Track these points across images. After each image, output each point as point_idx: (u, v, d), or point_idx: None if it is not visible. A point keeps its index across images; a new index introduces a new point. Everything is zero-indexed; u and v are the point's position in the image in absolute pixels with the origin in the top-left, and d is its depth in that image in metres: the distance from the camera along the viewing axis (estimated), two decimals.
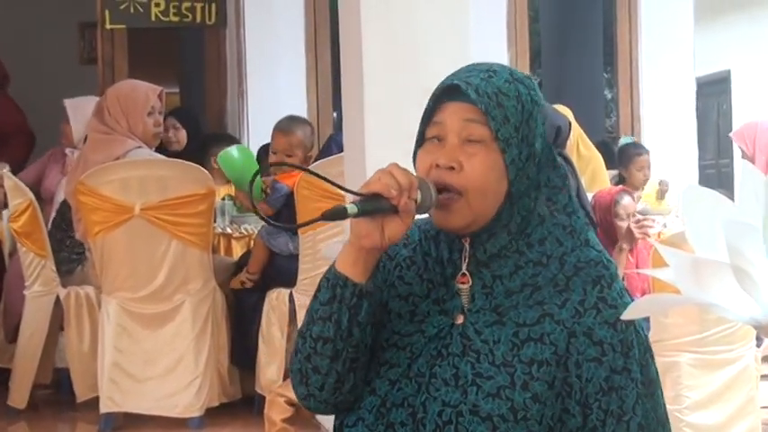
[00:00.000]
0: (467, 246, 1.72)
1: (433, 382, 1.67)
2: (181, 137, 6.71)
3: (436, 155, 1.70)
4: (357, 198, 1.65)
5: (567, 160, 6.09)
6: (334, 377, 1.68)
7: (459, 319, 1.70)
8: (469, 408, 1.63)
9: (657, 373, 1.78)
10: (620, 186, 5.89)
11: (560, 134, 6.01)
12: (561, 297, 1.68)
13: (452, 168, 1.68)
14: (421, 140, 1.74)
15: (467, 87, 1.69)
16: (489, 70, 1.74)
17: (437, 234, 1.77)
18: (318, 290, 1.69)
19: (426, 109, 1.73)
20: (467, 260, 1.72)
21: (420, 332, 1.71)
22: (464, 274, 1.72)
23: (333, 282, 1.67)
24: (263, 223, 5.54)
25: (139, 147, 5.00)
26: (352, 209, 1.63)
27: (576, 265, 1.71)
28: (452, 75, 1.75)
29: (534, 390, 1.64)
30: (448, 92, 1.72)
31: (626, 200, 5.41)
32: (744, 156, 6.80)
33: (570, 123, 5.86)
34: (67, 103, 6.04)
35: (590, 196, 5.98)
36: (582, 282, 1.69)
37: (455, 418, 1.64)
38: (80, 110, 5.97)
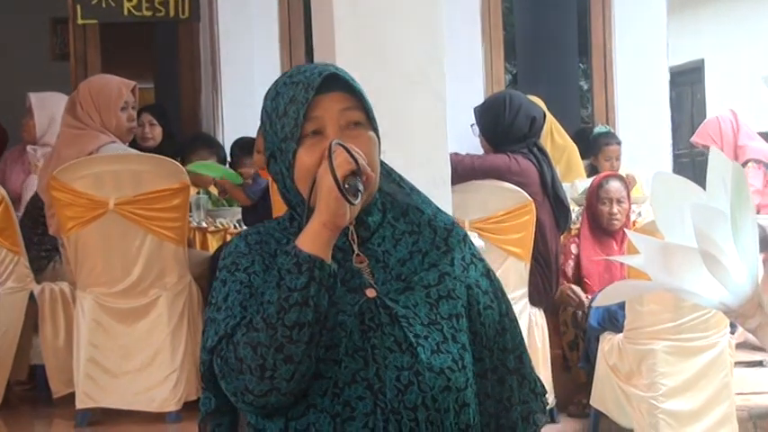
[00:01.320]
0: (352, 228, 1.81)
1: (377, 352, 1.74)
2: (156, 133, 6.69)
3: (322, 147, 1.75)
4: (347, 174, 1.69)
5: (542, 150, 6.08)
6: (306, 364, 1.69)
7: (371, 293, 1.79)
8: (425, 366, 1.75)
9: None
10: (615, 172, 5.89)
11: (534, 124, 6.01)
12: (448, 257, 1.85)
13: None
14: (296, 138, 1.77)
15: (343, 75, 1.81)
16: (328, 64, 1.85)
17: (300, 230, 1.80)
18: (282, 278, 1.69)
19: (296, 107, 1.77)
20: (356, 242, 1.81)
21: (341, 312, 1.76)
22: (358, 255, 1.82)
23: (308, 265, 1.68)
24: (238, 217, 5.54)
25: (113, 142, 4.97)
26: (362, 187, 1.71)
27: (445, 228, 1.88)
28: (302, 73, 1.81)
29: (461, 340, 1.81)
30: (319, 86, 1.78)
31: (611, 184, 5.39)
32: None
33: (545, 114, 5.88)
34: (33, 97, 6.00)
35: (566, 186, 6.01)
36: (456, 241, 1.87)
37: (415, 378, 1.74)
38: (46, 105, 5.95)
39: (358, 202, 1.69)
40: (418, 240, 1.84)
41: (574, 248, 5.41)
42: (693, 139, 7.01)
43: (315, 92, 1.77)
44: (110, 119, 4.99)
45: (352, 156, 1.70)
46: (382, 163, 1.88)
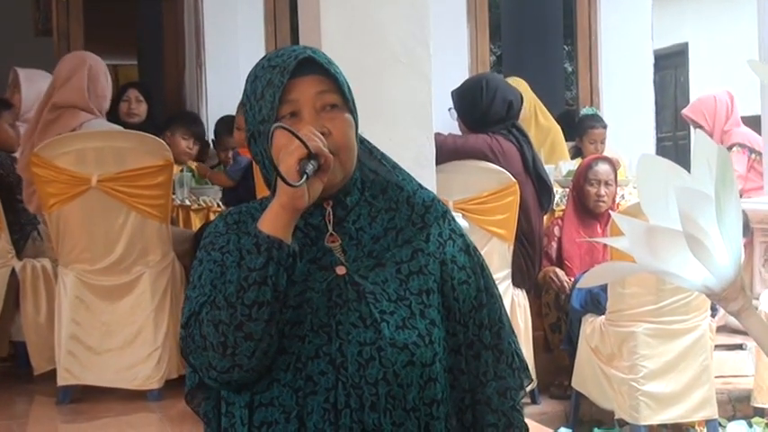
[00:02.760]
0: (329, 209, 1.84)
1: (341, 328, 1.77)
2: (141, 110, 6.66)
3: (297, 128, 1.76)
4: (302, 158, 1.71)
5: (521, 130, 6.09)
6: (266, 341, 1.72)
7: (342, 270, 1.81)
8: (388, 341, 1.76)
9: None
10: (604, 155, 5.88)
11: (512, 108, 6.03)
12: (423, 233, 1.87)
13: (323, 134, 1.78)
14: (272, 121, 1.79)
15: (320, 58, 1.83)
16: (306, 47, 1.87)
17: None
18: (242, 257, 1.72)
19: (273, 91, 1.80)
20: (331, 222, 1.84)
21: (309, 289, 1.79)
22: (332, 234, 1.84)
23: (266, 246, 1.71)
24: (221, 195, 5.53)
25: (95, 117, 4.96)
26: (311, 169, 1.71)
27: (423, 205, 1.89)
28: (279, 56, 1.83)
29: (430, 316, 1.82)
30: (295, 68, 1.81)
31: (600, 166, 5.41)
32: (695, 130, 6.81)
33: (522, 96, 5.87)
34: (21, 72, 5.95)
35: (550, 167, 6.02)
36: (434, 217, 1.89)
37: (376, 353, 1.76)
38: (33, 81, 5.91)
39: (301, 183, 1.69)
40: (394, 217, 1.86)
41: (557, 231, 5.42)
42: (685, 112, 6.96)
43: (290, 75, 1.80)
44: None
45: (300, 140, 1.71)
46: (363, 140, 1.90)
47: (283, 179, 1.70)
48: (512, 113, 5.07)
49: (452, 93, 5.16)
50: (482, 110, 5.01)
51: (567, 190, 5.70)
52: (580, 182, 5.41)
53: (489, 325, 1.89)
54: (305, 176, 1.70)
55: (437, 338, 1.81)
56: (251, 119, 1.86)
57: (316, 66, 1.83)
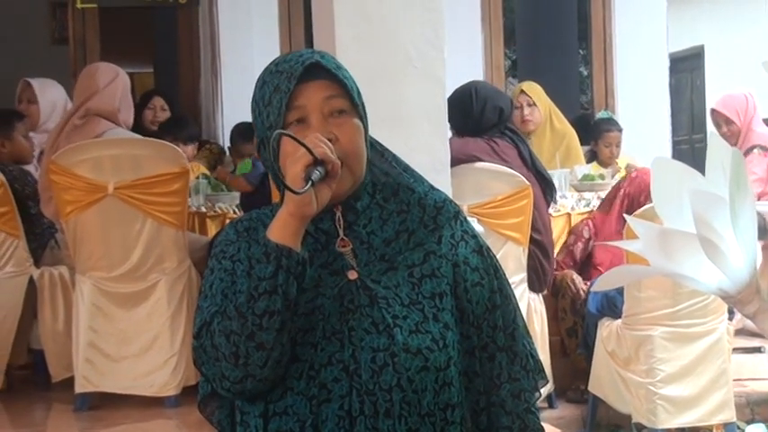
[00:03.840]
0: (339, 214, 1.83)
1: (353, 334, 1.75)
2: (166, 118, 6.70)
3: (305, 135, 1.75)
4: (308, 165, 1.69)
5: (514, 131, 6.09)
6: (278, 350, 1.71)
7: (353, 275, 1.79)
8: (401, 347, 1.75)
9: None
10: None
11: (503, 113, 6.05)
12: (435, 235, 1.85)
13: (330, 140, 1.76)
14: (279, 127, 1.78)
15: (327, 63, 1.81)
16: (314, 52, 1.84)
17: None
18: (251, 266, 1.71)
19: (280, 97, 1.78)
20: (341, 226, 1.83)
21: (321, 295, 1.77)
22: (343, 239, 1.82)
23: (275, 255, 1.70)
24: (237, 201, 5.54)
25: (117, 127, 5.01)
26: (317, 176, 1.70)
27: (435, 206, 1.87)
28: (287, 61, 1.81)
29: (444, 319, 1.80)
30: (302, 74, 1.79)
31: None
32: (725, 128, 6.71)
33: (512, 102, 5.87)
34: (35, 83, 5.98)
35: (565, 171, 6.01)
36: (446, 218, 1.86)
37: (390, 359, 1.74)
38: (45, 91, 5.94)
39: (306, 188, 1.68)
40: (406, 219, 1.84)
41: (586, 232, 5.35)
42: (716, 107, 6.85)
43: (297, 81, 1.78)
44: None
45: (306, 147, 1.69)
46: (374, 143, 1.89)
47: (287, 187, 1.69)
48: (503, 119, 5.09)
49: None
50: (474, 119, 5.03)
51: (621, 194, 5.67)
52: (640, 197, 5.23)
53: (503, 327, 1.87)
54: (309, 183, 1.68)
55: (451, 342, 1.79)
56: (259, 125, 1.84)
57: (323, 71, 1.81)
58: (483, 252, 1.88)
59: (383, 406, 1.73)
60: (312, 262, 1.76)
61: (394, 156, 1.92)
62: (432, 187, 1.90)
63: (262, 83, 1.84)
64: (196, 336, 1.77)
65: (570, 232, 5.40)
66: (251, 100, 1.87)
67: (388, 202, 1.85)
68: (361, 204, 1.84)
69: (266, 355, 1.70)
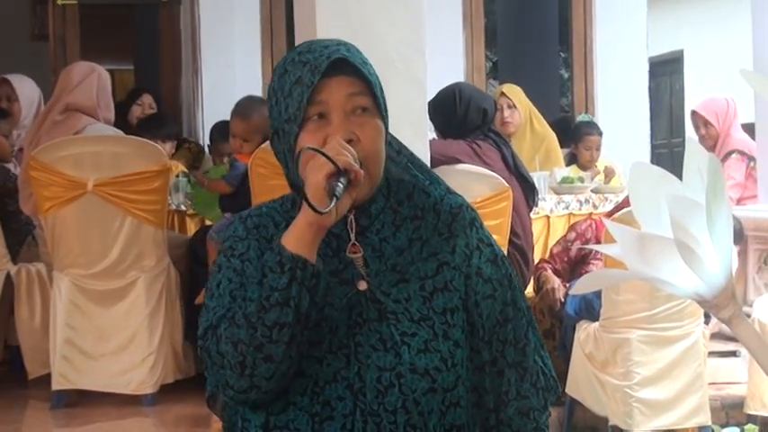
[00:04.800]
0: (352, 217, 1.75)
1: (360, 350, 1.69)
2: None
3: (325, 131, 1.70)
4: (330, 175, 1.63)
5: (498, 133, 6.10)
6: (287, 363, 1.64)
7: (363, 285, 1.72)
8: (408, 367, 1.68)
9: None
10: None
11: (487, 115, 6.06)
12: (449, 244, 1.77)
13: (350, 141, 1.70)
14: (298, 122, 1.71)
15: (353, 58, 1.73)
16: (339, 44, 1.76)
17: None
18: (264, 275, 1.64)
19: (301, 90, 1.70)
20: (354, 231, 1.75)
21: (328, 305, 1.70)
22: (354, 244, 1.75)
23: (290, 265, 1.62)
24: (218, 201, 5.52)
25: (97, 121, 5.01)
26: (340, 190, 1.63)
27: (450, 212, 1.79)
28: (311, 51, 1.73)
29: (454, 336, 1.73)
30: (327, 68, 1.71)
31: None
32: (703, 130, 6.74)
33: (496, 104, 5.87)
34: (14, 80, 5.95)
35: (544, 174, 6.03)
36: (461, 226, 1.78)
37: (396, 380, 1.68)
38: (24, 88, 5.92)
39: (330, 208, 1.60)
40: (420, 227, 1.77)
41: (589, 233, 5.32)
42: (697, 108, 6.88)
43: (321, 75, 1.70)
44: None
45: (329, 159, 1.62)
46: (392, 140, 1.82)
47: (311, 206, 1.61)
48: (487, 120, 5.10)
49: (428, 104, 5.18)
50: (458, 120, 5.03)
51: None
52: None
53: (514, 341, 1.79)
54: (334, 200, 1.61)
55: (460, 360, 1.72)
56: (276, 114, 1.76)
57: (348, 65, 1.73)
58: (498, 261, 1.80)
59: (387, 428, 1.67)
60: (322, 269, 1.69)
61: (411, 154, 1.85)
62: (448, 190, 1.83)
63: (282, 71, 1.75)
64: (201, 336, 1.71)
65: (572, 228, 5.39)
66: (268, 87, 1.79)
67: (401, 205, 1.77)
68: (375, 207, 1.76)
69: (274, 367, 1.64)
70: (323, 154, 1.63)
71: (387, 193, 1.77)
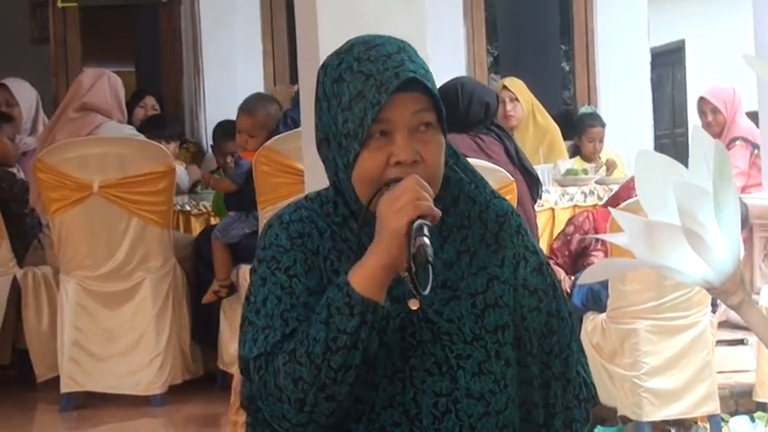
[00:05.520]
0: None
1: (415, 374, 1.65)
2: None
3: (388, 150, 1.63)
4: (412, 221, 1.57)
5: (500, 127, 6.09)
6: (348, 401, 1.61)
7: (414, 305, 1.65)
8: (464, 392, 1.65)
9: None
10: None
11: (489, 109, 6.05)
12: (498, 256, 1.72)
13: (416, 162, 1.64)
14: (360, 140, 1.63)
15: (421, 76, 1.65)
16: (401, 50, 1.68)
17: (346, 220, 1.71)
18: (331, 315, 1.57)
19: (365, 107, 1.62)
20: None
21: None
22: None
23: (360, 309, 1.56)
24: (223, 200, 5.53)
25: (110, 120, 5.06)
26: (428, 247, 1.56)
27: (497, 221, 1.74)
28: (373, 62, 1.64)
29: (506, 355, 1.69)
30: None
31: None
32: (710, 117, 6.74)
33: (498, 97, 5.86)
34: (12, 85, 5.95)
35: (548, 167, 6.02)
36: (508, 235, 1.74)
37: (452, 405, 1.65)
38: (25, 93, 5.94)
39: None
40: (467, 237, 1.71)
41: (586, 224, 5.34)
42: (705, 95, 6.88)
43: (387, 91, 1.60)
44: None
45: (414, 237, 1.55)
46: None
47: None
48: (489, 114, 5.09)
49: None
50: (461, 115, 5.02)
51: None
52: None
53: (558, 353, 1.75)
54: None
55: (511, 380, 1.69)
56: (327, 121, 1.67)
57: (416, 82, 1.64)
58: (543, 270, 1.75)
59: None
60: None
61: (454, 152, 1.77)
62: (494, 194, 1.77)
63: (338, 77, 1.66)
64: (254, 359, 1.63)
65: (570, 221, 5.40)
66: (316, 88, 1.71)
67: (447, 214, 1.69)
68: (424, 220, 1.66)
69: (335, 406, 1.59)
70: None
71: (433, 201, 1.65)
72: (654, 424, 4.79)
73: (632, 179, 5.39)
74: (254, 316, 1.66)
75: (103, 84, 5.11)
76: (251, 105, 5.12)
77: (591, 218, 5.36)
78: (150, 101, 6.79)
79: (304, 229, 1.69)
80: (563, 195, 5.87)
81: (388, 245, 1.57)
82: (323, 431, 1.63)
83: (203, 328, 5.05)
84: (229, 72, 7.33)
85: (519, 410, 1.72)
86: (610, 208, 1.67)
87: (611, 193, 5.81)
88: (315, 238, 1.69)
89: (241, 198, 4.91)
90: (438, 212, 1.60)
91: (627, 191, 5.28)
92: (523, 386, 1.72)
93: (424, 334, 1.66)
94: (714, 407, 4.78)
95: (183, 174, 5.62)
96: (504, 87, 6.59)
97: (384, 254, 1.58)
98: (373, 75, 1.63)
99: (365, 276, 1.58)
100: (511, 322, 1.70)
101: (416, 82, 1.64)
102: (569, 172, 6.11)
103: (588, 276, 1.75)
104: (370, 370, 1.62)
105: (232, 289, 4.95)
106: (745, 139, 6.58)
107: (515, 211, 1.78)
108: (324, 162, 1.73)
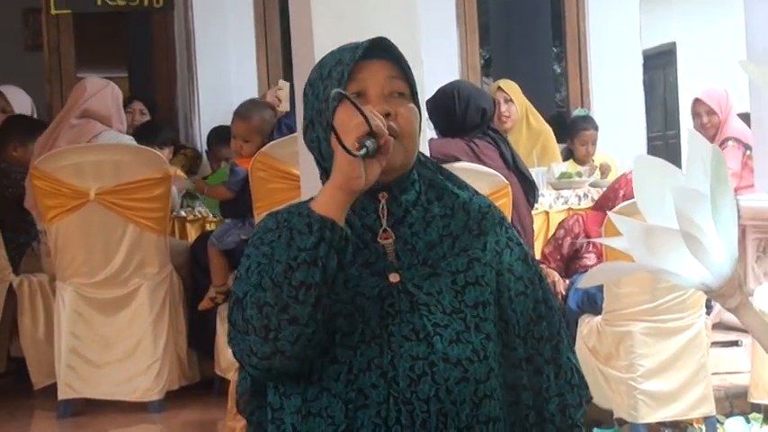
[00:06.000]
0: (383, 202, 1.77)
1: (393, 340, 1.70)
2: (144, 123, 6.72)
3: (363, 107, 1.70)
4: (361, 136, 1.65)
5: (496, 131, 6.11)
6: (312, 327, 1.64)
7: (395, 278, 1.74)
8: (440, 356, 1.70)
9: None
10: None
11: (486, 114, 6.08)
12: (480, 241, 1.80)
13: (387, 115, 1.73)
14: (336, 97, 1.71)
15: (392, 45, 1.79)
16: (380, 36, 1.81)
17: None
18: (292, 237, 1.65)
19: (341, 68, 1.75)
20: (385, 216, 1.77)
21: (360, 295, 1.73)
22: (385, 230, 1.77)
23: (318, 226, 1.64)
24: (218, 207, 5.53)
25: (109, 129, 5.07)
26: (371, 145, 1.65)
27: (480, 211, 1.82)
28: (350, 43, 1.80)
29: (486, 330, 1.75)
30: (365, 51, 1.77)
31: None
32: (705, 119, 6.77)
33: (494, 101, 5.87)
34: (7, 91, 5.96)
35: (542, 170, 6.04)
36: (491, 224, 1.82)
37: (428, 368, 1.69)
38: (21, 100, 5.95)
39: (361, 153, 1.62)
40: (450, 224, 1.79)
41: (577, 227, 5.35)
42: (701, 96, 6.92)
43: (362, 54, 1.75)
44: None
45: (363, 114, 1.64)
46: (419, 153, 1.83)
47: (343, 146, 1.62)
48: (485, 119, 5.11)
49: (426, 103, 5.19)
50: (457, 120, 5.04)
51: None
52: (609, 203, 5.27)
53: (548, 338, 1.81)
54: (365, 149, 1.63)
55: (492, 353, 1.74)
56: (311, 102, 1.79)
57: (387, 52, 1.79)
58: (528, 260, 1.83)
59: (420, 416, 1.68)
60: (355, 260, 1.72)
61: (436, 163, 1.88)
62: (476, 193, 1.86)
63: (320, 64, 1.80)
64: (228, 317, 1.72)
65: (560, 225, 5.41)
66: (305, 83, 1.82)
67: (432, 204, 1.79)
68: (406, 199, 1.78)
69: (299, 330, 1.64)
70: (356, 106, 1.65)
71: (419, 190, 1.79)
72: (650, 426, 4.81)
73: (618, 180, 5.41)
74: (235, 286, 1.75)
75: (107, 93, 5.14)
76: (246, 110, 5.15)
77: (581, 221, 5.38)
78: (138, 105, 6.77)
79: (291, 217, 1.75)
80: (557, 198, 5.89)
81: (339, 163, 1.65)
82: (289, 366, 1.66)
83: (200, 334, 5.06)
84: (223, 78, 7.34)
85: (508, 394, 1.77)
86: (609, 213, 1.68)
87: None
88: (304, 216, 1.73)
89: (237, 205, 4.91)
90: (389, 136, 1.67)
91: (614, 191, 5.30)
92: (511, 369, 1.77)
93: (403, 304, 1.73)
94: (709, 408, 4.80)
95: (175, 194, 5.62)
96: (499, 89, 6.61)
97: (337, 173, 1.66)
98: (349, 47, 1.78)
99: (323, 199, 1.67)
100: (492, 301, 1.76)
101: (390, 53, 1.78)
102: (564, 175, 6.13)
103: (589, 280, 1.76)
104: (348, 330, 1.69)
105: (229, 295, 4.95)
106: (738, 140, 6.61)
107: (497, 207, 1.86)
108: (310, 148, 1.82)
